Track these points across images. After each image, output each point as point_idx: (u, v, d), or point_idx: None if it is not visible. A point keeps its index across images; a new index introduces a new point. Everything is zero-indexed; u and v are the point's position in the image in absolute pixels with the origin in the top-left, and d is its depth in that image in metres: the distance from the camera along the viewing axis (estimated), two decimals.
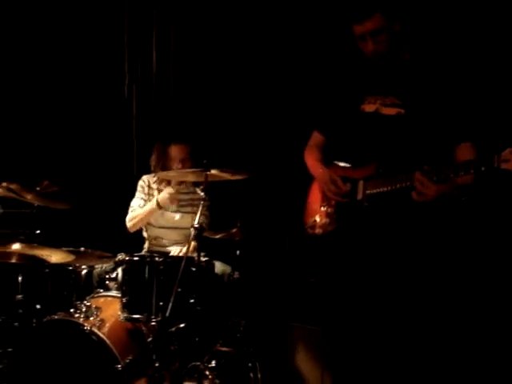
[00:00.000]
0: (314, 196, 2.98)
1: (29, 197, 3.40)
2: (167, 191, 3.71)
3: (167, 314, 2.90)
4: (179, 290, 2.95)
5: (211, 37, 4.38)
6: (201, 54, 4.41)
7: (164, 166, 3.86)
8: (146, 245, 3.99)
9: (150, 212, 3.81)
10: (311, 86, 3.91)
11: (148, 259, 3.20)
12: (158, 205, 3.74)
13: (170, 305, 2.88)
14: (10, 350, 3.22)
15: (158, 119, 4.47)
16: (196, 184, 3.73)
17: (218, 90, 4.36)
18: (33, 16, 4.54)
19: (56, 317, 3.13)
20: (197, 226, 3.03)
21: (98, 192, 4.48)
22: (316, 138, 3.03)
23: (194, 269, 3.10)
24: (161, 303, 3.06)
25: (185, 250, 3.55)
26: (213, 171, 3.13)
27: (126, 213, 3.92)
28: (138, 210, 3.86)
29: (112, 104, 4.56)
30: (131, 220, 3.86)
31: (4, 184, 3.19)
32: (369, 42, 2.60)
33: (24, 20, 4.54)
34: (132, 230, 3.90)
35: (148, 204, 3.83)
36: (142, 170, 4.16)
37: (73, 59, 4.61)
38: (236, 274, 3.56)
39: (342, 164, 2.89)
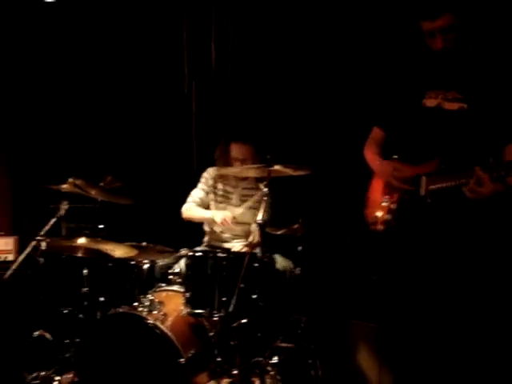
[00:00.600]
0: (375, 192, 2.96)
1: (93, 192, 3.47)
2: (225, 215, 3.71)
3: (230, 310, 2.90)
4: (242, 285, 2.95)
5: (270, 31, 4.35)
6: (260, 49, 4.40)
7: (225, 161, 3.87)
8: (206, 239, 4.02)
9: (204, 219, 3.89)
10: (372, 80, 3.85)
11: (211, 255, 3.21)
12: (213, 219, 3.78)
13: (234, 300, 2.88)
14: (77, 340, 3.28)
15: (217, 115, 4.48)
16: (259, 180, 3.73)
17: (277, 85, 4.33)
18: (95, 14, 4.62)
19: (120, 310, 3.17)
20: (260, 221, 3.02)
21: (160, 187, 4.53)
22: (376, 133, 3.03)
23: (256, 264, 3.10)
24: (223, 298, 3.06)
25: (248, 244, 3.57)
26: (276, 167, 3.11)
27: None
28: (195, 208, 3.90)
29: (172, 100, 4.60)
30: (187, 212, 3.92)
31: (70, 180, 3.25)
32: (437, 39, 2.62)
33: (85, 18, 4.62)
34: (185, 219, 3.95)
35: (206, 211, 3.89)
36: (202, 165, 4.19)
37: (133, 57, 4.68)
38: (297, 270, 3.53)
39: (402, 159, 2.86)
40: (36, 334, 3.19)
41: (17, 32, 4.47)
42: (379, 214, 2.86)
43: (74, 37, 4.63)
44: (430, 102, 2.73)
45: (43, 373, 3.13)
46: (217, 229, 3.90)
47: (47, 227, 3.05)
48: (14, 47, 4.50)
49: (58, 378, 3.21)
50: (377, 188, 2.94)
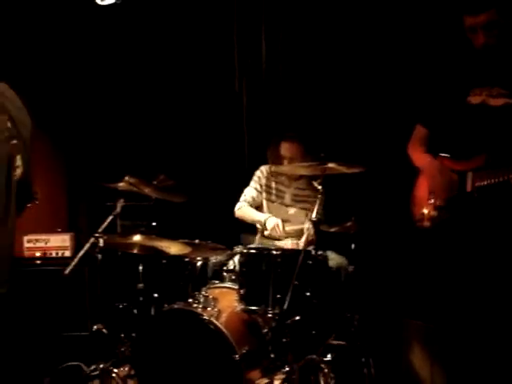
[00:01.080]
0: (421, 189, 2.98)
1: (147, 190, 3.52)
2: (276, 223, 3.73)
3: (285, 307, 2.90)
4: (296, 282, 2.96)
5: (321, 27, 4.34)
6: (311, 44, 4.39)
7: (276, 160, 3.88)
8: (258, 236, 4.04)
9: (255, 221, 3.92)
10: (416, 78, 3.82)
11: (265, 252, 3.22)
12: (264, 223, 3.81)
13: (288, 297, 2.89)
14: (132, 334, 3.35)
15: (268, 112, 4.48)
16: (312, 178, 3.73)
17: (329, 82, 4.31)
18: (147, 14, 4.68)
19: (175, 306, 3.22)
20: (314, 219, 3.02)
21: (212, 185, 4.57)
22: (420, 131, 3.04)
23: (310, 262, 3.10)
24: (278, 296, 3.07)
25: (302, 242, 3.58)
26: (330, 164, 3.10)
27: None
28: (248, 208, 3.94)
29: (223, 98, 4.62)
30: (239, 212, 3.96)
31: (126, 178, 3.31)
32: (480, 35, 2.65)
33: (138, 19, 4.69)
34: (237, 218, 3.99)
35: (258, 214, 3.92)
36: (253, 162, 4.21)
37: (184, 55, 4.72)
38: (351, 268, 3.52)
39: (447, 156, 2.89)
40: (95, 327, 3.27)
41: (73, 33, 4.58)
42: (426, 210, 2.89)
43: (127, 37, 4.70)
44: (475, 99, 2.76)
45: (102, 365, 3.20)
46: (266, 233, 3.92)
47: (105, 224, 3.12)
48: (71, 47, 4.61)
49: (115, 370, 3.28)
50: (423, 185, 2.97)
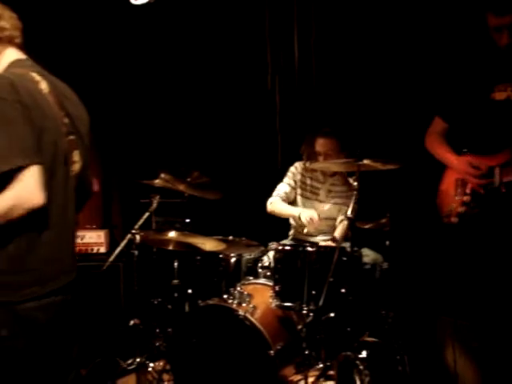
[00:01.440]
0: (448, 184, 2.99)
1: (181, 187, 3.56)
2: (311, 215, 3.72)
3: (321, 303, 2.91)
4: (331, 279, 2.96)
5: (354, 23, 4.32)
6: (343, 41, 4.36)
7: (311, 156, 3.88)
8: (292, 232, 4.04)
9: (289, 215, 3.92)
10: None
11: (300, 249, 3.23)
12: (299, 217, 3.79)
13: (324, 294, 2.90)
14: (168, 329, 3.39)
15: (301, 110, 4.48)
16: (347, 174, 3.72)
17: (362, 78, 4.28)
18: (180, 13, 4.72)
19: (211, 302, 3.25)
20: (350, 215, 3.02)
21: (245, 182, 4.60)
22: (439, 124, 3.06)
23: (345, 258, 3.09)
24: (313, 292, 3.08)
25: (337, 235, 3.60)
26: (365, 161, 3.09)
27: None
28: (280, 203, 3.94)
29: (255, 95, 4.64)
30: (271, 206, 3.96)
31: (162, 175, 3.35)
32: (504, 35, 2.66)
33: (171, 18, 4.73)
34: (269, 213, 4.00)
35: (292, 208, 3.91)
36: (286, 160, 4.21)
37: (217, 53, 4.75)
38: (385, 265, 3.50)
39: (473, 153, 2.89)
40: (131, 322, 3.31)
41: (107, 33, 4.64)
42: (453, 206, 2.90)
43: (161, 35, 4.76)
44: (500, 96, 2.77)
45: (138, 359, 3.25)
46: (301, 226, 3.91)
47: (141, 221, 3.16)
48: (105, 47, 4.68)
49: (151, 364, 3.33)
50: (450, 180, 2.98)
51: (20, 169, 1.72)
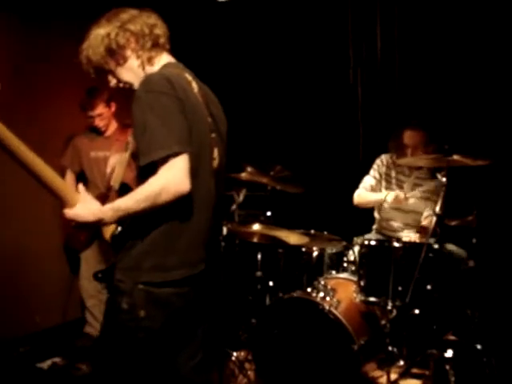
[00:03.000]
0: None
1: (264, 180, 3.60)
2: (397, 195, 3.70)
3: (407, 300, 2.89)
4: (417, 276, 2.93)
5: (436, 15, 4.22)
6: (427, 33, 4.27)
7: (398, 148, 3.85)
8: (376, 226, 4.03)
9: (377, 201, 3.89)
10: None
11: (386, 244, 3.21)
12: (385, 198, 3.76)
13: (410, 290, 2.87)
14: (252, 320, 3.44)
15: (383, 103, 4.43)
16: (434, 169, 3.66)
17: (447, 71, 4.19)
18: (263, 9, 4.76)
19: (295, 295, 3.28)
20: (438, 212, 2.97)
21: (327, 176, 4.60)
22: None
23: (431, 255, 3.06)
24: (399, 288, 3.06)
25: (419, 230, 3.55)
26: (454, 156, 3.03)
27: (352, 197, 3.99)
28: (366, 193, 3.91)
29: (337, 89, 4.62)
30: (358, 198, 3.95)
31: (248, 168, 3.40)
32: None
33: (255, 14, 4.77)
34: (356, 205, 3.98)
35: (378, 194, 3.88)
36: (368, 154, 4.18)
37: (299, 46, 4.76)
38: (471, 263, 3.43)
39: None
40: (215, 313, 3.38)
41: (194, 32, 4.72)
42: None
43: (244, 33, 4.81)
44: None
45: (223, 348, 3.32)
46: (386, 211, 3.89)
47: (228, 213, 3.22)
48: (193, 45, 4.77)
49: (235, 353, 3.40)
50: None
51: (170, 156, 1.83)
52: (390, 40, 4.41)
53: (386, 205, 3.87)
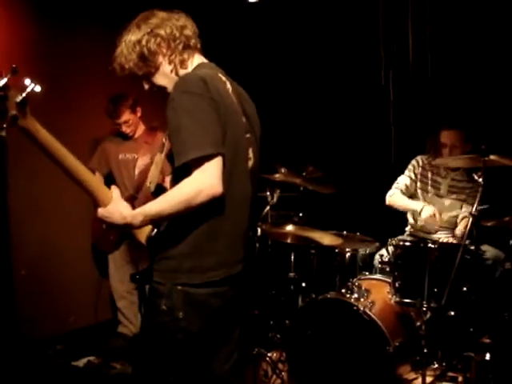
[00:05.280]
0: None
1: (297, 181, 3.61)
2: (433, 212, 3.66)
3: (443, 302, 2.86)
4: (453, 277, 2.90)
5: (468, 16, 4.18)
6: (459, 32, 4.23)
7: (435, 149, 3.82)
8: (408, 228, 4.00)
9: (409, 209, 3.87)
10: None
11: (422, 245, 3.19)
12: (420, 212, 3.73)
13: (446, 292, 2.85)
14: (286, 321, 3.44)
15: (415, 104, 4.40)
16: (470, 170, 3.63)
17: (480, 71, 4.15)
18: (292, 10, 4.77)
19: (329, 295, 3.28)
20: (475, 213, 2.95)
21: (358, 178, 4.58)
22: None
23: (467, 256, 3.03)
24: (435, 290, 3.03)
25: (458, 231, 3.54)
26: (492, 157, 3.00)
27: (383, 198, 3.98)
28: (400, 196, 3.88)
29: (369, 90, 4.60)
30: (391, 199, 3.91)
31: (282, 170, 3.41)
32: None
33: (284, 14, 4.78)
34: (388, 206, 3.96)
35: (413, 202, 3.84)
36: (400, 156, 4.16)
37: (331, 47, 4.75)
38: (508, 265, 3.38)
39: None
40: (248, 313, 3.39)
41: (226, 32, 4.74)
42: None
43: (275, 33, 4.82)
44: None
45: (257, 349, 3.32)
46: (419, 223, 3.85)
47: (262, 214, 3.24)
48: (224, 46, 4.79)
49: (269, 354, 3.40)
50: None
51: (204, 158, 1.82)
52: (421, 40, 4.37)
53: (418, 217, 3.82)
